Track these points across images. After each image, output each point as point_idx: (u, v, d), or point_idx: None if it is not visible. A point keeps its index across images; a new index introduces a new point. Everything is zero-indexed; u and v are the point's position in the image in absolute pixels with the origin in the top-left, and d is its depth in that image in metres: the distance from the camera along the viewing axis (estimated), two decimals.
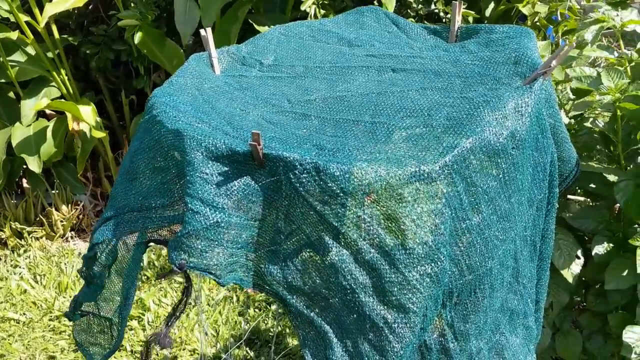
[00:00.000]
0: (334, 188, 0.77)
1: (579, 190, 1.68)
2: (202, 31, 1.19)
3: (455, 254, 0.82)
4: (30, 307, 2.85)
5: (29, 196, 3.31)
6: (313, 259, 0.81)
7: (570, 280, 1.38)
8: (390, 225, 0.78)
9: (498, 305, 0.92)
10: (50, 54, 3.21)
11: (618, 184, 1.31)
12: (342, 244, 0.78)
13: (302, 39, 1.26)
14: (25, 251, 3.17)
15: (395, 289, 0.77)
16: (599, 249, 1.41)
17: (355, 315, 0.79)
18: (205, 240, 0.77)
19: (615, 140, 1.40)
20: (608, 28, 1.59)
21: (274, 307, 2.56)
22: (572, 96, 1.60)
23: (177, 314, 0.91)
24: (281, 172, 0.78)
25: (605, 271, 1.38)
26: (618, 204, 1.48)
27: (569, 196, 1.65)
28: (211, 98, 1.01)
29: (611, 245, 1.42)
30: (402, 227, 0.77)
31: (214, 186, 0.78)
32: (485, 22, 3.11)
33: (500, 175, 0.85)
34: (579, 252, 1.41)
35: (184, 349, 2.54)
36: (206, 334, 2.61)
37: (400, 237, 0.77)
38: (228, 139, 0.81)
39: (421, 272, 0.77)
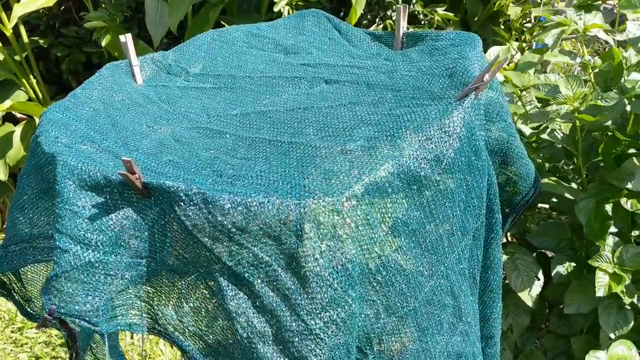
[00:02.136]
0: (225, 223, 0.67)
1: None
2: (121, 37, 1.09)
3: (369, 295, 0.72)
4: None
5: None
6: (209, 302, 0.72)
7: (529, 303, 1.28)
8: (290, 265, 0.68)
9: (439, 349, 0.81)
10: (17, 57, 3.11)
11: (578, 203, 1.22)
12: (238, 286, 0.69)
13: (235, 45, 1.16)
14: None
15: (296, 339, 0.68)
16: (560, 269, 1.31)
17: None
18: (75, 283, 0.67)
19: (575, 153, 1.30)
20: (572, 32, 1.49)
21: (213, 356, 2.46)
22: (539, 104, 1.50)
23: None
24: (166, 203, 0.69)
25: (565, 294, 1.28)
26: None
27: (539, 205, 1.56)
28: (117, 113, 0.91)
29: (572, 265, 1.33)
30: (303, 267, 0.67)
31: (86, 220, 0.68)
32: (472, 25, 3.02)
33: (424, 204, 0.75)
34: (539, 273, 1.32)
35: None
36: (172, 347, 2.52)
37: (301, 278, 0.68)
38: (108, 164, 0.71)
39: (325, 319, 0.67)
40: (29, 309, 0.95)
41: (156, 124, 0.91)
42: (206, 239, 0.68)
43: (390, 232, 0.73)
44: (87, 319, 0.68)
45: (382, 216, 0.72)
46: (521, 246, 1.36)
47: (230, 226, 0.67)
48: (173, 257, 0.71)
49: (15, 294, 0.93)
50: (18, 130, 3.18)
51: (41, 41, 3.36)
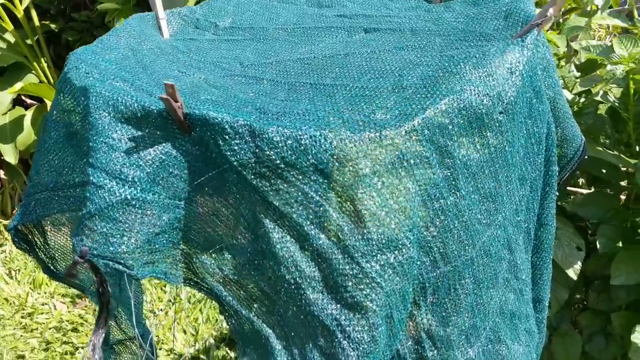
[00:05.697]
0: (274, 157, 0.61)
1: (580, 181, 1.52)
2: None
3: (427, 240, 0.67)
4: (2, 303, 2.71)
5: (6, 188, 3.17)
6: (252, 246, 0.66)
7: (573, 276, 1.22)
8: (343, 204, 0.62)
9: (493, 305, 0.75)
10: (29, 41, 3.07)
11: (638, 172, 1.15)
12: (285, 227, 0.63)
13: (265, 0, 1.11)
14: (0, 245, 3.03)
15: (350, 283, 0.62)
16: (605, 240, 1.25)
17: (302, 317, 0.64)
18: (111, 222, 0.62)
19: (626, 118, 1.24)
20: None
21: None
22: (577, 74, 1.44)
23: (100, 330, 0.72)
24: (209, 137, 0.63)
25: (611, 265, 1.22)
26: (626, 191, 1.32)
27: (568, 187, 1.50)
28: (146, 59, 0.85)
29: (618, 236, 1.26)
30: (358, 206, 0.62)
31: (123, 154, 0.62)
32: None
33: (485, 146, 0.69)
34: (580, 244, 1.26)
35: (160, 349, 2.39)
36: (184, 332, 2.47)
37: (356, 219, 0.62)
38: (143, 98, 0.65)
39: (382, 262, 0.62)
40: (51, 267, 0.90)
41: (188, 70, 0.86)
42: (252, 176, 0.62)
43: (449, 174, 0.67)
44: (121, 261, 0.62)
45: (442, 155, 0.66)
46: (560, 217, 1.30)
47: (278, 161, 0.61)
48: (214, 198, 0.66)
49: (37, 250, 0.87)
50: (29, 114, 3.14)
51: (52, 25, 3.32)
